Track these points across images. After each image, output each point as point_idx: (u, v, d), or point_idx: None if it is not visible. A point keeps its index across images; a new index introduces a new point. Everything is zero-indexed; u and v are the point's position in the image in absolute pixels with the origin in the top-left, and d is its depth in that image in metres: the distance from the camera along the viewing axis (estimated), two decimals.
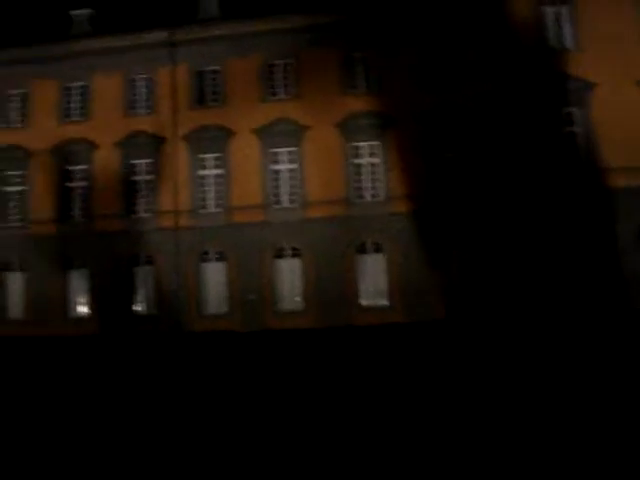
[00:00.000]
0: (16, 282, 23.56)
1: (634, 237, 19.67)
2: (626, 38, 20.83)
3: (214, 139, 22.64)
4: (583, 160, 20.63)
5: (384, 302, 21.43)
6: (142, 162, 23.29)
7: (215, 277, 22.52)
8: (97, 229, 23.04)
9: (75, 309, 23.24)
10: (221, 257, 22.51)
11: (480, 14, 21.48)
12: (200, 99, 23.20)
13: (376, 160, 21.95)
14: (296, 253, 22.10)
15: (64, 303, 23.09)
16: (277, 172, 22.43)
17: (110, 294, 22.59)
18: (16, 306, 23.41)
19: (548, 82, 20.92)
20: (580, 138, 20.88)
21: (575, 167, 20.57)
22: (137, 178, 23.35)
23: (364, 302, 21.53)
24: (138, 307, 22.86)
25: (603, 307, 19.24)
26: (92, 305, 22.90)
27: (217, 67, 23.16)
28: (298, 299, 21.88)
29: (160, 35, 23.48)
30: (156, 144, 23.02)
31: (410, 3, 22.39)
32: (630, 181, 19.98)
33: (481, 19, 21.45)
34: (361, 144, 22.07)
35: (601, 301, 19.46)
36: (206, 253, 22.65)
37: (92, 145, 23.44)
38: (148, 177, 23.24)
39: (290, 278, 22.08)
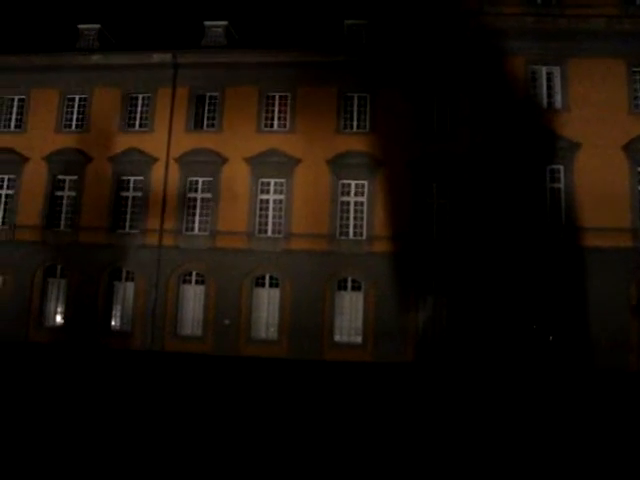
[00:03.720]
0: None
1: (604, 298, 19.94)
2: (614, 104, 21.35)
3: (206, 163, 22.99)
4: (563, 216, 21.09)
5: (357, 340, 21.63)
6: (133, 179, 23.58)
7: (193, 299, 22.67)
8: (82, 240, 23.19)
9: (52, 318, 23.34)
10: (202, 280, 22.70)
11: (477, 68, 22.07)
12: (197, 123, 23.60)
13: (362, 199, 22.33)
14: (275, 283, 22.32)
15: (40, 311, 23.19)
16: (265, 201, 22.76)
17: (87, 306, 22.64)
18: None
19: (536, 138, 21.44)
20: (563, 195, 21.38)
21: (555, 223, 21.01)
22: (127, 194, 23.60)
23: (338, 338, 21.71)
24: (113, 322, 22.96)
25: (568, 363, 19.49)
26: (67, 315, 22.97)
27: (216, 93, 23.61)
28: (273, 329, 22.05)
29: (165, 56, 23.93)
30: (149, 162, 23.31)
31: (411, 51, 23.04)
32: (604, 242, 20.34)
33: (477, 73, 22.03)
34: (349, 182, 22.47)
35: (567, 357, 19.73)
36: (187, 275, 22.84)
37: (85, 157, 23.70)
38: (138, 194, 23.50)
39: (267, 307, 22.26)
